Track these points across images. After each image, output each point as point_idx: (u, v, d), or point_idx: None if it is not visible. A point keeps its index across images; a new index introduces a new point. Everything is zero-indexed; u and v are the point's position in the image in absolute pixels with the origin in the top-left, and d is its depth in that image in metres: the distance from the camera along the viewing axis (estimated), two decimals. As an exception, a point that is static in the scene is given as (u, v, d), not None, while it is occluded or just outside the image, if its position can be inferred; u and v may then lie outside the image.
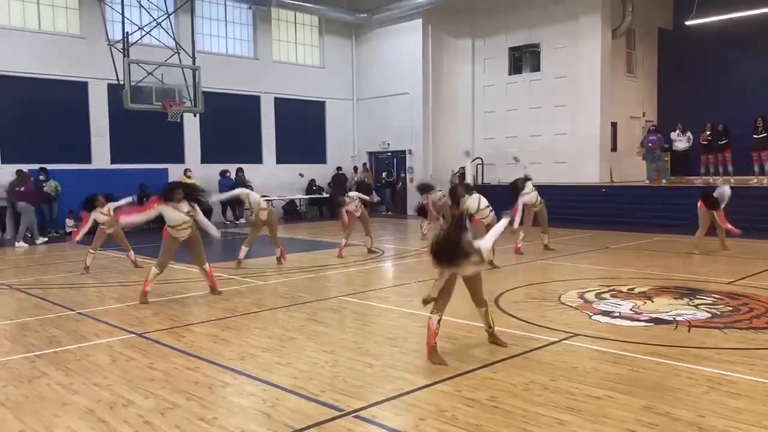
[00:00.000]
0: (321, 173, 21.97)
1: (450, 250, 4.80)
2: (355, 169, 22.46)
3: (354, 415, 4.01)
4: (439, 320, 5.09)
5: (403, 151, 21.73)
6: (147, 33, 15.70)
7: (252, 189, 17.87)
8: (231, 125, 19.67)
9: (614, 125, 19.88)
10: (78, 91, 16.98)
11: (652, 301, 7.15)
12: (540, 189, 11.50)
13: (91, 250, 10.24)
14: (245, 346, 5.66)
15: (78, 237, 10.40)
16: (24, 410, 4.19)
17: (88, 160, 17.25)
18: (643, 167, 18.26)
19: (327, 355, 5.31)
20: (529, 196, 10.96)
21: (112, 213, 10.09)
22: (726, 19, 17.48)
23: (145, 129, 17.04)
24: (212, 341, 5.89)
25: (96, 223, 10.27)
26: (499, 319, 6.40)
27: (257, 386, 4.58)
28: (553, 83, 19.60)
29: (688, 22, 18.24)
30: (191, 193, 7.93)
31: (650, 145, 17.59)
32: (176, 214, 7.64)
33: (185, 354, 5.42)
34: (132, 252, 10.50)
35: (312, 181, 21.56)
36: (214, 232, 8.44)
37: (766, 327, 5.98)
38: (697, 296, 7.36)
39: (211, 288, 8.05)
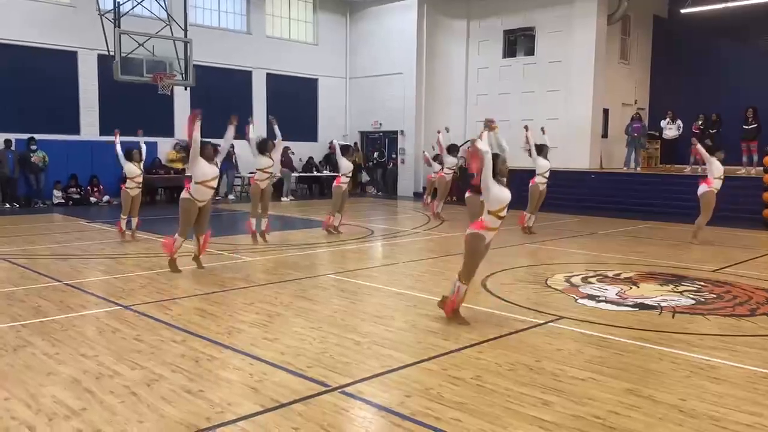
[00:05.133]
0: (312, 151, 21.86)
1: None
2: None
3: (340, 390, 4.03)
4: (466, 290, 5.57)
5: (395, 132, 21.65)
6: (138, 3, 15.48)
7: (237, 166, 17.84)
8: (222, 100, 19.41)
9: (606, 111, 19.91)
10: (67, 61, 16.73)
11: (638, 287, 7.22)
12: (531, 173, 11.61)
13: (122, 216, 10.39)
14: (232, 320, 5.67)
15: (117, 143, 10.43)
16: (9, 379, 4.18)
17: (77, 132, 17.05)
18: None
19: (314, 331, 5.33)
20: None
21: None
22: (721, 8, 17.47)
23: (135, 101, 16.86)
24: (199, 315, 5.89)
25: (123, 180, 10.36)
26: (486, 301, 6.46)
27: (244, 360, 4.59)
28: (547, 67, 19.53)
29: (683, 11, 18.22)
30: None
31: (635, 134, 17.68)
32: (208, 167, 7.63)
33: (172, 327, 5.42)
34: (137, 220, 10.47)
35: (311, 159, 21.45)
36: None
37: (748, 314, 6.06)
38: (682, 283, 7.43)
39: (196, 257, 7.99)
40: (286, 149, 19.64)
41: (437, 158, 14.47)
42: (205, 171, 7.61)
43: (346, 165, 11.24)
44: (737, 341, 5.19)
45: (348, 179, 11.33)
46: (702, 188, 10.49)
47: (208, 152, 7.78)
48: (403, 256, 9.57)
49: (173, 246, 7.76)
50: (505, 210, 5.49)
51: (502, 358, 4.68)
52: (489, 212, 5.44)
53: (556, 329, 5.51)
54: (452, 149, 14.07)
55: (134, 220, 10.47)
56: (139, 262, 8.54)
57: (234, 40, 19.92)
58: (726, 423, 3.59)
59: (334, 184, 11.34)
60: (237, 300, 6.46)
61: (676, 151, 18.64)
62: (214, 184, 7.80)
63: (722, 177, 10.46)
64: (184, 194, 7.73)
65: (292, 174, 20.14)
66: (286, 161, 19.65)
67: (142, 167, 10.48)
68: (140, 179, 10.42)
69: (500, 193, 5.40)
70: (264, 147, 10.18)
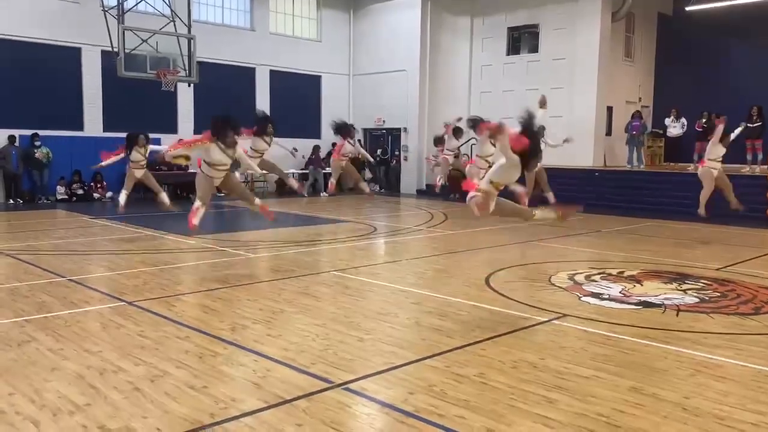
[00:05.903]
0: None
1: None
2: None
3: (344, 387, 4.03)
4: None
5: (399, 129, 21.62)
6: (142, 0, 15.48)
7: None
8: (225, 96, 19.43)
9: (610, 109, 19.86)
10: (71, 57, 16.73)
11: (642, 285, 7.20)
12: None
13: (124, 191, 10.48)
14: (236, 317, 5.67)
15: (105, 162, 10.62)
16: (13, 374, 4.19)
17: (80, 128, 17.07)
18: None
19: (318, 328, 5.33)
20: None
21: (148, 155, 10.57)
22: (726, 6, 17.40)
23: (139, 97, 16.88)
24: (203, 311, 5.90)
25: (128, 163, 10.45)
26: (489, 298, 6.45)
27: (248, 357, 4.60)
28: (551, 65, 19.49)
29: (688, 8, 18.15)
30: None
31: (634, 132, 17.65)
32: (220, 154, 7.45)
33: (176, 323, 5.43)
34: (163, 194, 10.67)
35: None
36: (257, 169, 8.64)
37: (752, 313, 6.04)
38: (686, 281, 7.41)
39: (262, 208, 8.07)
40: (316, 147, 20.41)
41: (440, 140, 14.64)
42: (217, 157, 7.45)
43: (348, 148, 11.40)
44: (742, 340, 5.18)
45: (346, 158, 11.50)
46: (700, 169, 11.21)
47: (230, 140, 7.60)
48: (406, 253, 9.56)
49: (194, 214, 7.68)
50: (503, 188, 5.56)
51: (505, 355, 4.67)
52: (491, 182, 5.49)
53: (560, 327, 5.50)
54: (457, 132, 14.13)
55: (163, 194, 10.75)
56: (143, 259, 8.55)
57: (237, 37, 19.91)
58: (731, 422, 3.58)
59: (332, 157, 11.59)
60: (240, 296, 6.47)
61: (680, 148, 18.60)
62: (224, 169, 7.70)
63: (717, 159, 10.84)
64: (197, 169, 7.68)
65: (323, 171, 20.35)
66: (315, 159, 20.19)
67: (146, 154, 10.58)
68: (144, 163, 10.57)
69: (511, 170, 5.44)
70: (263, 129, 10.18)
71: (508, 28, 20.66)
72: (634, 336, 5.20)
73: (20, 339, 4.94)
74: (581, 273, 7.81)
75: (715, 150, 10.82)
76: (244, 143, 9.93)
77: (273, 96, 20.88)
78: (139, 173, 10.49)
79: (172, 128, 18.66)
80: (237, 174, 9.51)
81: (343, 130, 11.79)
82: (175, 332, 5.16)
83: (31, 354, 4.60)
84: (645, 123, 18.02)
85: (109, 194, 16.92)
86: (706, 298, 6.62)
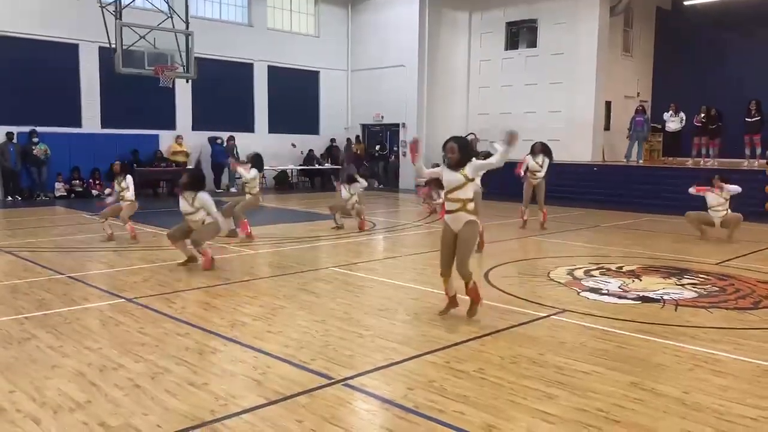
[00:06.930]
0: (313, 144, 21.84)
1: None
2: (348, 141, 22.26)
3: (344, 383, 4.04)
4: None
5: (397, 125, 21.60)
6: (140, -5, 15.45)
7: (239, 158, 17.71)
8: (223, 92, 19.46)
9: (608, 104, 19.86)
10: (69, 53, 16.70)
11: (640, 280, 7.22)
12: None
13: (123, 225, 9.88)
14: (236, 313, 5.68)
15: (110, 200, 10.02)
16: (14, 372, 4.19)
17: (79, 124, 17.04)
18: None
19: (317, 324, 5.33)
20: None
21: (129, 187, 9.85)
22: (725, 0, 17.37)
23: (137, 94, 16.85)
24: (203, 308, 5.90)
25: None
26: (488, 294, 6.44)
27: (248, 353, 4.60)
28: (549, 60, 19.47)
29: (686, 2, 18.14)
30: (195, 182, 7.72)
31: (638, 128, 17.67)
32: (183, 203, 7.63)
33: (175, 320, 5.43)
34: (129, 225, 9.84)
35: (311, 152, 21.45)
36: (222, 224, 7.88)
37: (751, 307, 6.06)
38: (685, 276, 7.43)
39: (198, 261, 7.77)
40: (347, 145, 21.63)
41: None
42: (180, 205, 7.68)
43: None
44: (740, 334, 5.19)
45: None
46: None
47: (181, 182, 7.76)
48: (405, 249, 9.56)
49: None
50: (454, 193, 5.51)
51: (505, 351, 4.68)
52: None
53: (559, 322, 5.52)
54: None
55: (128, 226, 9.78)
56: (142, 255, 8.55)
57: (235, 33, 19.86)
58: (730, 416, 3.59)
59: None
60: (240, 293, 6.47)
61: (678, 143, 18.61)
62: (190, 218, 7.63)
63: (713, 207, 10.26)
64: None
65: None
66: (348, 156, 21.23)
67: (124, 184, 9.83)
68: (125, 194, 9.81)
69: (445, 176, 5.55)
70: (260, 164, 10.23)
71: (507, 23, 20.64)
72: (633, 331, 5.22)
73: (20, 336, 4.94)
74: (580, 268, 7.82)
75: (710, 198, 10.29)
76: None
77: (271, 92, 20.86)
78: (123, 204, 9.81)
79: (171, 124, 18.65)
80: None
81: None
82: (174, 329, 5.17)
83: (31, 351, 4.60)
84: (648, 118, 18.01)
85: (107, 191, 16.87)
86: (705, 292, 6.64)
